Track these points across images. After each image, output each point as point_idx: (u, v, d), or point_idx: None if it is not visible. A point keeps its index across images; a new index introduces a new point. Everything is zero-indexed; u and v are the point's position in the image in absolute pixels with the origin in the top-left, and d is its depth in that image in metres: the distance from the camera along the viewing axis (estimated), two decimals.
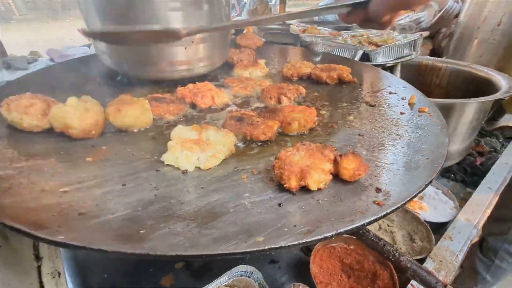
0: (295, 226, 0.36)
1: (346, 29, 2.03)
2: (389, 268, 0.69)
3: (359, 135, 0.62)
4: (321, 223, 0.36)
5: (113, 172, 0.48)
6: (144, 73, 0.84)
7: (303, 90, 0.83)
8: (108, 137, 0.60)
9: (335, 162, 0.47)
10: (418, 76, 1.26)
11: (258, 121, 0.59)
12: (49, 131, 0.57)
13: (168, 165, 0.51)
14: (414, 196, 0.41)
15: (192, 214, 0.39)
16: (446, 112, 0.91)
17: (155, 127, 0.65)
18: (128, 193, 0.43)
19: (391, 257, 0.48)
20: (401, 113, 0.71)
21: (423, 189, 0.43)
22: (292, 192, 0.43)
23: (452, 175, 1.09)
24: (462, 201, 0.97)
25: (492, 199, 0.86)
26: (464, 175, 1.07)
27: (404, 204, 0.40)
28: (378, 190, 0.43)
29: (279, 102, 0.79)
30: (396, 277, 0.67)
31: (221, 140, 0.53)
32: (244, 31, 1.64)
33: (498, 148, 1.14)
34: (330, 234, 0.34)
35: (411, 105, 0.75)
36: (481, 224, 0.78)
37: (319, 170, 0.44)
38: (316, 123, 0.66)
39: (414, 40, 1.18)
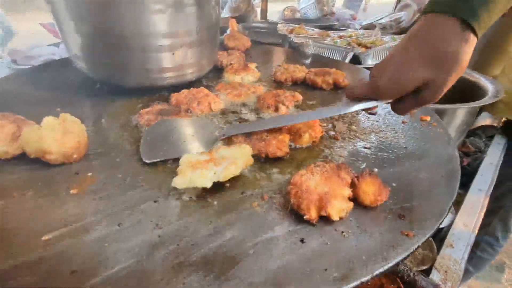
0: (326, 270, 0.32)
1: (330, 28, 2.03)
2: (396, 283, 0.68)
3: (365, 148, 0.60)
4: (353, 264, 0.33)
5: (104, 207, 0.41)
6: (128, 81, 0.76)
7: (299, 97, 0.80)
8: (93, 160, 0.53)
9: (352, 184, 0.44)
10: None
11: (267, 136, 0.55)
12: (22, 158, 0.49)
13: (168, 194, 0.45)
14: (441, 223, 0.39)
15: (207, 260, 0.34)
16: (439, 116, 0.92)
17: None
18: (127, 235, 0.37)
19: (405, 277, 0.47)
20: (403, 122, 0.69)
21: (447, 213, 0.41)
22: (312, 223, 0.39)
23: None
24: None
25: (484, 201, 0.88)
26: None
27: (433, 233, 0.38)
28: (401, 216, 0.41)
29: (276, 110, 0.75)
30: None
31: (236, 152, 0.48)
32: (227, 31, 1.57)
33: (482, 148, 1.18)
34: (366, 278, 0.31)
35: (410, 112, 0.74)
36: (477, 228, 0.80)
37: (339, 198, 0.40)
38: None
39: None
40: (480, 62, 1.45)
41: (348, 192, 0.42)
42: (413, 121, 0.69)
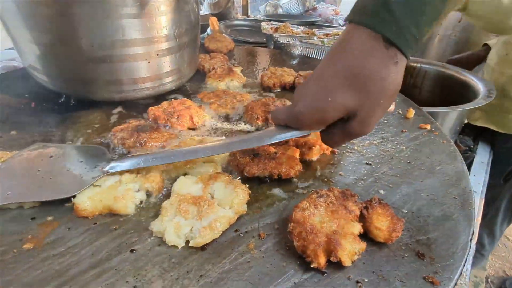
0: None
1: (313, 24, 1.97)
2: None
3: (366, 164, 0.55)
4: None
5: (66, 266, 0.34)
6: (97, 94, 0.67)
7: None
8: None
9: (361, 217, 0.39)
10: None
11: (276, 153, 0.50)
12: None
13: (148, 238, 0.38)
14: (465, 264, 0.34)
15: None
16: (434, 118, 0.89)
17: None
18: None
19: None
20: (402, 131, 0.65)
21: (470, 246, 0.37)
22: (321, 270, 0.33)
23: None
24: None
25: (480, 205, 0.86)
26: None
27: (459, 277, 0.33)
28: (420, 255, 0.36)
29: (266, 121, 0.69)
30: None
31: (227, 199, 0.41)
32: (208, 31, 1.48)
33: (472, 146, 1.17)
34: None
35: (408, 119, 0.69)
36: (476, 232, 0.77)
37: (350, 238, 0.35)
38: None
39: None
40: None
41: (358, 228, 0.37)
42: (412, 130, 0.65)
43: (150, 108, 0.66)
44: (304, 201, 0.39)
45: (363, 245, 0.35)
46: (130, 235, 0.39)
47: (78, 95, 0.69)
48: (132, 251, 0.36)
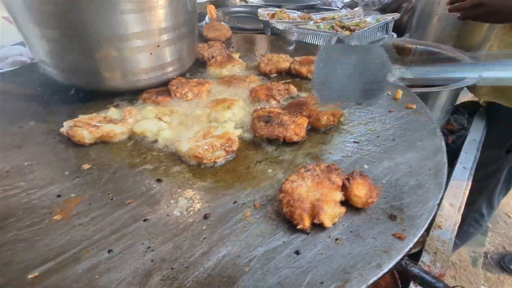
0: (322, 283, 0.32)
1: (312, 7, 1.96)
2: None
3: (354, 142, 0.60)
4: (349, 274, 0.33)
5: (91, 232, 0.40)
6: (104, 85, 0.72)
7: (293, 90, 0.78)
8: (74, 177, 0.50)
9: (344, 187, 0.44)
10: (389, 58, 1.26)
11: (287, 120, 0.58)
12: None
13: (158, 209, 0.44)
14: (432, 222, 0.40)
15: (203, 282, 0.33)
16: (422, 99, 0.92)
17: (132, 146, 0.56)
18: (118, 262, 0.36)
19: (398, 267, 0.48)
20: (390, 111, 0.69)
21: (436, 210, 0.42)
22: (306, 231, 0.39)
23: None
24: None
25: (468, 180, 0.91)
26: None
27: (423, 233, 0.38)
28: (393, 217, 0.41)
29: (267, 101, 0.74)
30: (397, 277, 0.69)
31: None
32: (206, 19, 1.49)
33: (466, 125, 1.20)
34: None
35: (397, 100, 0.73)
36: (463, 207, 0.83)
37: (332, 204, 0.40)
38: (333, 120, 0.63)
39: (386, 23, 1.16)
40: (463, 36, 1.45)
41: (339, 196, 0.42)
42: (399, 110, 0.69)
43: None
44: (293, 175, 0.45)
45: (342, 209, 0.41)
46: (143, 207, 0.45)
47: (87, 87, 0.74)
48: (145, 220, 0.43)
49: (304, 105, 0.63)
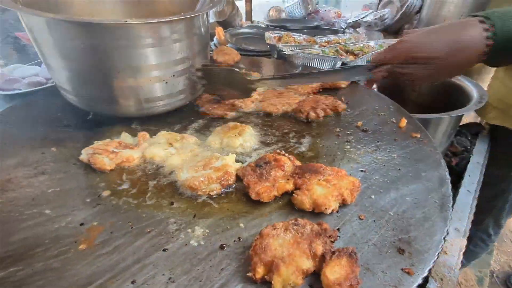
0: None
1: (316, 28, 2.03)
2: None
3: (361, 171, 0.62)
4: None
5: (115, 262, 0.42)
6: (121, 112, 0.76)
7: (341, 107, 0.83)
8: (96, 204, 0.53)
9: (322, 258, 0.39)
10: (391, 82, 1.30)
11: (270, 177, 0.56)
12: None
13: (177, 239, 0.46)
14: (438, 255, 0.42)
15: None
16: (424, 124, 0.95)
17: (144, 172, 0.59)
18: None
19: None
20: (395, 140, 0.72)
21: (443, 243, 0.44)
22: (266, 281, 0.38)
23: None
24: None
25: (473, 203, 0.92)
26: None
27: (431, 268, 0.40)
28: (401, 251, 0.43)
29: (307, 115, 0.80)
30: None
31: None
32: (214, 40, 1.56)
33: (469, 147, 1.23)
34: None
35: (401, 128, 0.76)
36: (468, 232, 0.84)
37: (292, 269, 0.38)
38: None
39: None
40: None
41: (307, 266, 0.39)
42: (404, 139, 0.72)
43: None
44: (281, 222, 0.44)
45: (300, 281, 0.38)
46: (162, 236, 0.47)
47: (104, 113, 0.78)
48: (164, 250, 0.45)
49: (313, 173, 0.56)
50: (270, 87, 0.94)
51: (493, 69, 1.26)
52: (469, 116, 1.54)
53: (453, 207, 0.92)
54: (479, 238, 1.28)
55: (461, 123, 1.40)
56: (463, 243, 0.80)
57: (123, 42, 0.64)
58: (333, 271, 0.37)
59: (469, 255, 1.36)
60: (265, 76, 0.88)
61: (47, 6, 0.76)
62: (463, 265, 1.42)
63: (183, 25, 0.71)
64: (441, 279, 0.69)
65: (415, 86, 1.29)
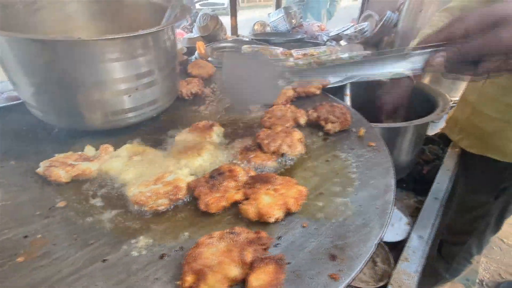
0: None
1: (299, 41, 2.09)
2: None
3: (314, 179, 0.63)
4: None
5: (50, 274, 0.43)
6: (86, 125, 0.77)
7: (349, 119, 0.80)
8: (44, 217, 0.53)
9: (251, 266, 0.40)
10: (367, 91, 1.33)
11: (221, 187, 0.56)
12: None
13: (118, 252, 0.47)
14: (367, 261, 0.43)
15: None
16: (392, 133, 0.98)
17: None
18: None
19: None
20: (352, 149, 0.73)
21: (374, 249, 0.45)
22: None
23: (404, 185, 1.18)
24: (414, 210, 1.06)
25: (439, 210, 0.94)
26: (414, 184, 1.16)
27: (359, 272, 0.41)
28: (332, 257, 0.44)
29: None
30: None
31: None
32: (195, 54, 1.59)
33: (440, 155, 1.25)
34: None
35: (360, 138, 0.78)
36: (432, 237, 0.85)
37: (218, 277, 0.38)
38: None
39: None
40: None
41: (235, 273, 0.39)
42: (360, 147, 0.73)
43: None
44: (219, 232, 0.45)
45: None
46: (105, 247, 0.48)
47: (69, 127, 0.79)
48: (103, 260, 0.45)
49: (268, 184, 0.56)
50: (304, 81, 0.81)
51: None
52: (443, 124, 1.57)
53: (419, 214, 0.93)
54: (462, 257, 1.29)
55: (433, 133, 1.43)
56: (426, 250, 0.81)
57: (82, 57, 0.66)
58: (258, 278, 0.38)
59: (453, 272, 1.36)
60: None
61: (24, 23, 0.79)
62: (447, 279, 1.41)
63: (144, 40, 0.73)
64: (399, 286, 0.70)
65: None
